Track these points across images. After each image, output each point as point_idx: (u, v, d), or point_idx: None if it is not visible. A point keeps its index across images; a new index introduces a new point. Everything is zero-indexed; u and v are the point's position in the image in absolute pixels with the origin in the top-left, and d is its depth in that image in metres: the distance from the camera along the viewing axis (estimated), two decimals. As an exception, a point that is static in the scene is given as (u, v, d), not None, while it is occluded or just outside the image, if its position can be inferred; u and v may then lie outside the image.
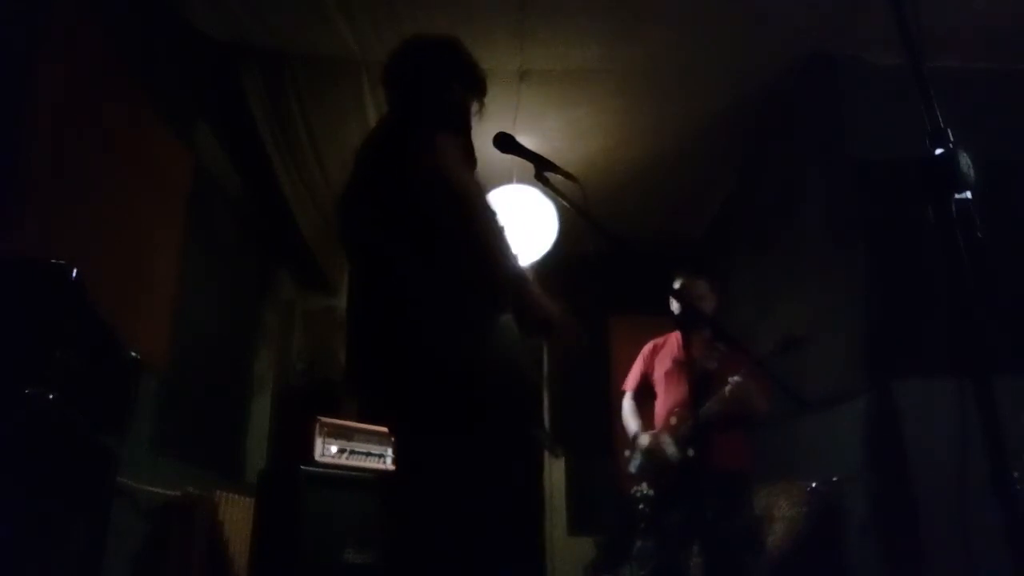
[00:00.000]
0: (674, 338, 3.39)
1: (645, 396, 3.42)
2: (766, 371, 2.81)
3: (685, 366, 3.13)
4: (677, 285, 3.15)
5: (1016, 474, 0.93)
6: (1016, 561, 0.88)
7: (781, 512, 3.24)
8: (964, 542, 2.32)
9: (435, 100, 1.79)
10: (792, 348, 2.89)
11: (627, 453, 3.28)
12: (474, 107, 1.88)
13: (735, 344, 2.82)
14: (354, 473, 3.46)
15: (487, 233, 1.61)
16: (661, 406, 3.28)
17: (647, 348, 3.49)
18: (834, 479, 3.22)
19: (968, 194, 1.04)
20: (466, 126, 1.84)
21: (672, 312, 3.13)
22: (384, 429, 2.20)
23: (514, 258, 1.67)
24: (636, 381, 3.44)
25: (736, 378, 2.95)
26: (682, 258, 4.24)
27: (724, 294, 3.50)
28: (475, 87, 1.87)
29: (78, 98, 2.46)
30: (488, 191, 1.71)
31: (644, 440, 3.19)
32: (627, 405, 3.43)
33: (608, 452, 4.63)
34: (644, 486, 3.14)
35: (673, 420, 3.13)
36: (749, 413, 3.04)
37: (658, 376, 3.36)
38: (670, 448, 3.06)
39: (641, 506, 3.12)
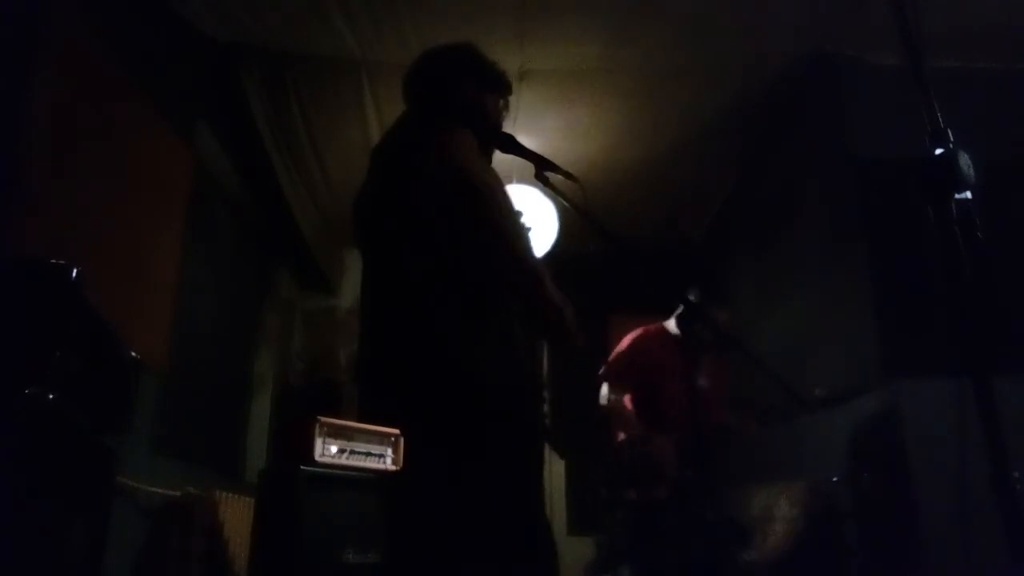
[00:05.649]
0: (669, 339, 3.44)
1: (627, 383, 3.48)
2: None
3: (683, 377, 3.25)
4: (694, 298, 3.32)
5: (1016, 474, 0.92)
6: (1016, 561, 0.88)
7: (781, 512, 3.23)
8: (964, 542, 2.31)
9: (449, 101, 1.79)
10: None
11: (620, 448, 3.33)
12: (499, 103, 1.88)
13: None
14: (354, 473, 3.44)
15: (505, 225, 1.60)
16: (656, 408, 3.33)
17: (636, 336, 3.55)
18: (834, 479, 3.21)
19: (968, 194, 1.04)
20: (490, 124, 1.84)
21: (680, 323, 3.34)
22: (384, 429, 2.19)
23: (533, 254, 1.66)
24: (617, 370, 3.51)
25: None
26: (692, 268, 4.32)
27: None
28: (492, 84, 1.87)
29: (78, 98, 2.46)
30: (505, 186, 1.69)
31: (633, 441, 3.29)
32: (605, 394, 3.54)
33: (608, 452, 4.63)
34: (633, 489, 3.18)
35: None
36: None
37: (652, 374, 3.42)
38: (666, 454, 3.13)
39: (629, 509, 3.16)
